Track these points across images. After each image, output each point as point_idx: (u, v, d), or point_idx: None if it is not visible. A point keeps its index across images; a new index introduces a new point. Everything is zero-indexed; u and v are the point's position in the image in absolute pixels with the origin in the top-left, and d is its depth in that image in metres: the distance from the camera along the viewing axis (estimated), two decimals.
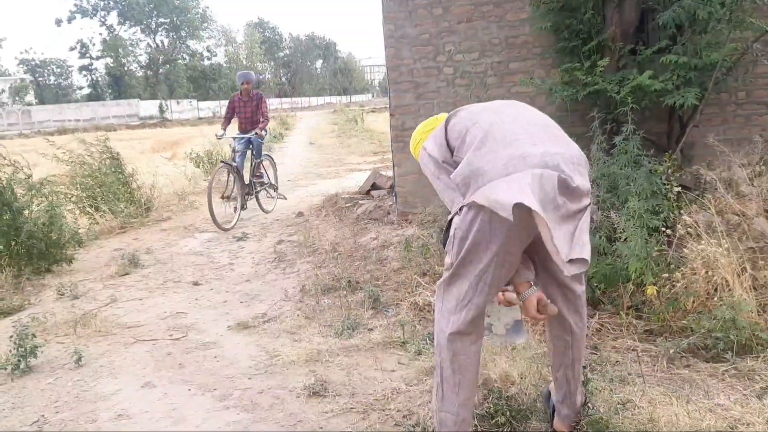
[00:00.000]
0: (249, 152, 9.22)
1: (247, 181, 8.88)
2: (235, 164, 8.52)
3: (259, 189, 9.18)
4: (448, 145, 2.46)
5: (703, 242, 3.82)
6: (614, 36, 5.53)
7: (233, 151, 8.83)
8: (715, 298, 3.65)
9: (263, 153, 9.53)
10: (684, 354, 3.43)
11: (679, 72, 5.15)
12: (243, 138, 8.97)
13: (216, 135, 9.14)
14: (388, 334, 4.05)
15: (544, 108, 5.67)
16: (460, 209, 2.29)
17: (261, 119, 9.12)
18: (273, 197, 9.58)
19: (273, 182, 9.76)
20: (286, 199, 9.69)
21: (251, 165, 9.21)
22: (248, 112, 9.20)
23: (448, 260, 2.39)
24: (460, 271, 2.34)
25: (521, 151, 2.18)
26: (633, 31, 5.57)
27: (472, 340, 2.41)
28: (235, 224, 8.18)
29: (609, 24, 5.58)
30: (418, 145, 2.78)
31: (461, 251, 2.30)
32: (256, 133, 8.89)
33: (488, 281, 2.33)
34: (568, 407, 2.68)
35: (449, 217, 2.38)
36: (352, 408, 3.15)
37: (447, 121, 2.51)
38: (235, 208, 8.45)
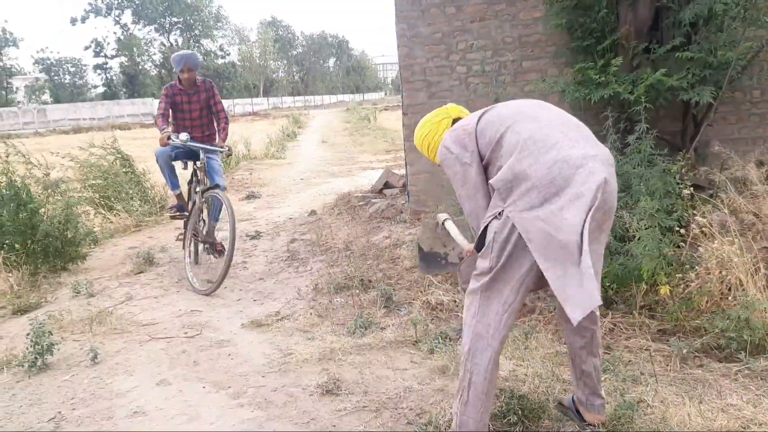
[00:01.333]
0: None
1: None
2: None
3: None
4: (478, 151, 2.45)
5: (716, 242, 3.80)
6: (628, 34, 5.51)
7: (200, 168, 5.85)
8: (729, 298, 3.64)
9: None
10: (697, 354, 3.43)
11: (694, 70, 5.13)
12: (205, 150, 5.85)
13: (169, 140, 5.71)
14: (401, 332, 4.06)
15: (557, 106, 5.66)
16: (500, 214, 2.29)
17: (222, 123, 6.11)
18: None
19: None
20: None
21: (191, 191, 6.26)
22: (195, 110, 6.09)
23: (485, 264, 2.38)
24: (502, 275, 2.34)
25: (563, 155, 2.21)
26: (647, 29, 5.55)
27: (502, 346, 2.45)
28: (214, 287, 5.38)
29: (623, 23, 5.56)
30: (426, 138, 2.77)
31: (502, 255, 2.31)
32: (222, 150, 5.90)
33: (528, 284, 2.37)
34: (599, 396, 2.71)
35: (485, 222, 2.37)
36: (364, 406, 3.17)
37: (476, 125, 2.49)
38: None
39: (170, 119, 6.12)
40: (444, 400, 3.11)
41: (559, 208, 2.16)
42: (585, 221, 2.14)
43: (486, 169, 2.44)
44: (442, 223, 3.16)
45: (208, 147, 5.89)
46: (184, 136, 5.69)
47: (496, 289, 2.36)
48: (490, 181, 2.32)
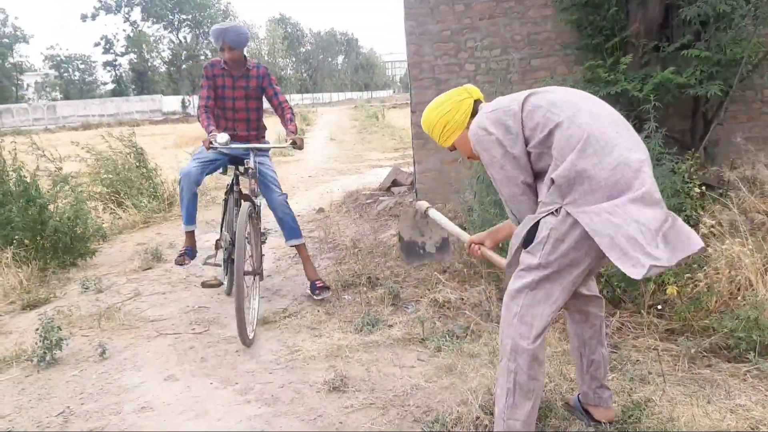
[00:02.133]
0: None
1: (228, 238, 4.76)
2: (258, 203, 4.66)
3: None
4: (523, 134, 2.36)
5: (726, 242, 3.78)
6: (638, 32, 5.49)
7: (244, 174, 4.65)
8: (738, 298, 3.62)
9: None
10: (705, 354, 3.41)
11: (702, 67, 5.11)
12: (247, 152, 4.61)
13: (212, 143, 4.40)
14: (408, 330, 4.06)
15: None
16: (557, 210, 2.24)
17: (288, 114, 4.86)
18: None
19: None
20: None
21: (228, 208, 4.88)
22: (239, 99, 4.85)
23: (533, 261, 2.31)
24: (554, 275, 2.30)
25: (623, 157, 2.19)
26: (657, 27, 5.53)
27: (544, 345, 2.42)
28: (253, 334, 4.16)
29: (633, 20, 5.55)
30: (445, 116, 2.63)
31: (555, 253, 2.26)
32: (294, 142, 4.63)
33: (577, 283, 2.35)
34: (607, 388, 2.72)
35: (536, 217, 2.31)
36: (371, 403, 3.18)
37: (522, 108, 2.38)
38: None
39: (214, 113, 4.88)
40: (451, 398, 3.11)
41: (623, 204, 2.14)
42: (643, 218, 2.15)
43: (529, 154, 2.36)
44: (425, 212, 3.13)
45: (260, 146, 4.65)
46: (222, 137, 4.38)
47: (546, 288, 2.32)
48: (552, 175, 2.24)
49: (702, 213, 4.16)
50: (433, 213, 3.12)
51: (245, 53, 4.85)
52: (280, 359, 3.83)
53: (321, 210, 8.53)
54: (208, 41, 78.51)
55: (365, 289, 4.93)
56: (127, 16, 77.50)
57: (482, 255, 2.84)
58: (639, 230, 2.09)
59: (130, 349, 4.15)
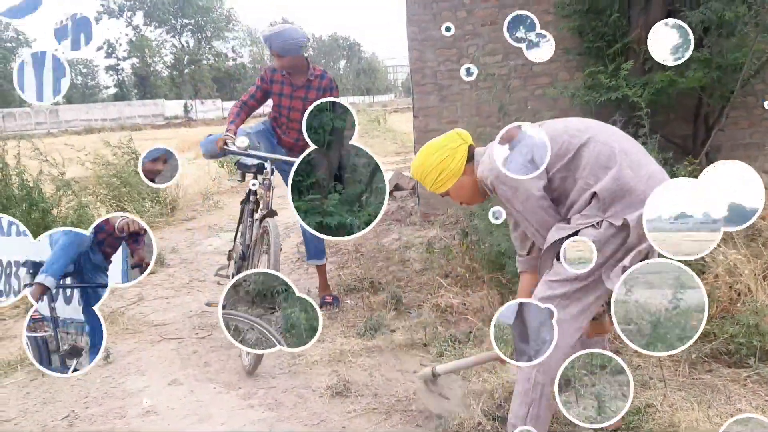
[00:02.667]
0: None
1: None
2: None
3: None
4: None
5: (721, 248, 3.80)
6: (639, 38, 5.51)
7: (261, 184, 4.05)
8: (738, 304, 3.63)
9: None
10: (706, 359, 3.42)
11: (702, 71, 5.13)
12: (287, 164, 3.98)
13: (225, 145, 4.01)
14: (410, 335, 4.08)
15: (567, 111, 5.63)
16: (599, 223, 2.25)
17: None
18: None
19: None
20: None
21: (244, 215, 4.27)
22: (296, 110, 4.46)
23: (570, 272, 2.26)
24: (589, 285, 2.31)
25: (651, 170, 2.26)
26: None
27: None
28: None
29: (634, 26, 5.57)
30: (442, 164, 2.53)
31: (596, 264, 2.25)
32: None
33: (607, 294, 2.36)
34: None
35: (575, 227, 2.29)
36: (374, 408, 3.20)
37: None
38: None
39: (250, 113, 4.52)
40: (453, 403, 3.12)
41: None
42: None
43: (549, 181, 2.36)
44: (434, 375, 2.98)
45: (278, 156, 4.09)
46: (242, 141, 3.90)
47: (577, 297, 2.32)
48: (595, 189, 2.25)
49: None
50: (442, 368, 2.98)
51: (307, 59, 4.45)
52: (283, 364, 3.85)
53: None
54: (211, 46, 78.67)
55: (367, 293, 4.94)
56: (129, 20, 77.57)
57: None
58: None
59: (134, 354, 4.17)
